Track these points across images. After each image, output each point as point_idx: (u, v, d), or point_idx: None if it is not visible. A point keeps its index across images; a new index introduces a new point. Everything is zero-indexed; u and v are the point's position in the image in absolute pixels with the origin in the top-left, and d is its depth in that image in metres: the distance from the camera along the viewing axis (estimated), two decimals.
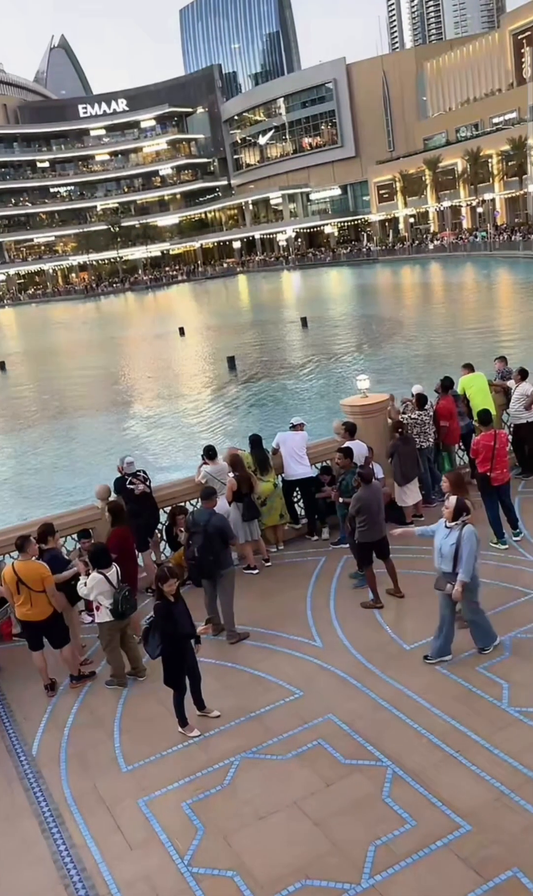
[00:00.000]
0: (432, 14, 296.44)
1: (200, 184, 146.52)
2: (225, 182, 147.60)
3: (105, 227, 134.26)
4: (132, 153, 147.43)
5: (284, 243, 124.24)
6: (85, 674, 9.34)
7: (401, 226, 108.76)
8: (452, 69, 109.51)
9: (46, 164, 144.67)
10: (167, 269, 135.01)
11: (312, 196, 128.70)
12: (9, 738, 8.38)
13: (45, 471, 24.41)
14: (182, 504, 11.93)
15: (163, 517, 11.90)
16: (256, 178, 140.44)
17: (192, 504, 11.90)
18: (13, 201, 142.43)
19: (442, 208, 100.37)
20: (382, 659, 8.77)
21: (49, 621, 8.99)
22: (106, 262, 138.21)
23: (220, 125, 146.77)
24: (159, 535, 11.97)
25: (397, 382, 25.83)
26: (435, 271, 77.39)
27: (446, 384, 13.66)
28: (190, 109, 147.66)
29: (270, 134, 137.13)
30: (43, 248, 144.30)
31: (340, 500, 11.34)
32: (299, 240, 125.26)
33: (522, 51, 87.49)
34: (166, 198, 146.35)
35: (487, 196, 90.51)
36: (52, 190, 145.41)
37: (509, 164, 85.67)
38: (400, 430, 12.29)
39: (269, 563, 11.81)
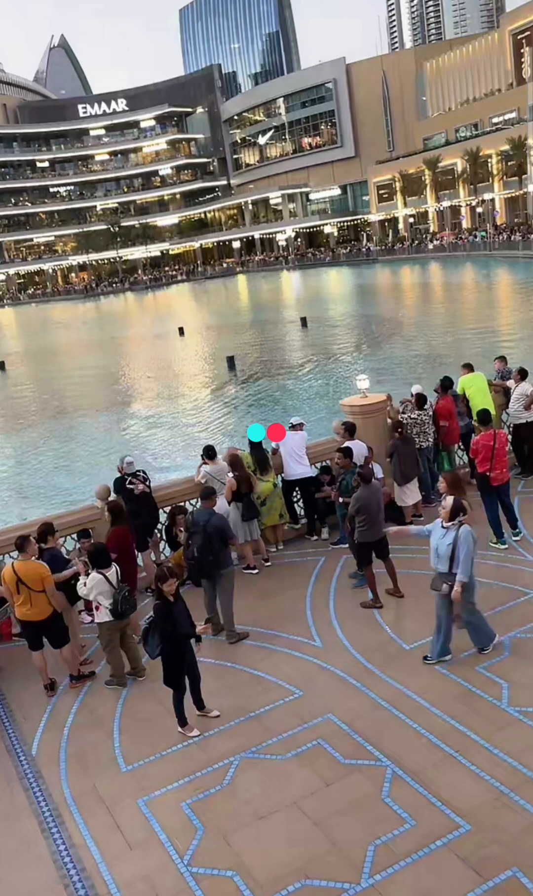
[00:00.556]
0: (432, 14, 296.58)
1: (200, 184, 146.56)
2: (224, 182, 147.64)
3: (105, 226, 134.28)
4: (132, 153, 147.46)
5: (284, 243, 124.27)
6: (84, 674, 9.34)
7: (400, 226, 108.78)
8: (452, 69, 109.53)
9: (46, 164, 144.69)
10: (167, 268, 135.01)
11: (312, 196, 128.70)
12: (8, 737, 8.38)
13: (45, 470, 24.41)
14: (182, 504, 11.93)
15: (162, 517, 11.89)
16: (256, 177, 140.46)
17: (191, 504, 11.90)
18: (13, 201, 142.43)
19: (441, 208, 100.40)
20: (382, 659, 8.78)
21: (49, 621, 8.99)
22: (105, 261, 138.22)
23: (219, 125, 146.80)
24: (159, 534, 11.97)
25: (397, 382, 25.83)
26: (435, 271, 77.40)
27: (446, 384, 13.66)
28: (190, 109, 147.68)
29: (269, 134, 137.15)
30: (42, 247, 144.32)
31: (340, 499, 11.34)
32: (299, 240, 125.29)
33: (522, 51, 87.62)
34: (166, 198, 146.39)
35: (487, 196, 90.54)
36: (51, 190, 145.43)
37: (509, 163, 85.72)
38: (399, 429, 12.29)
39: (268, 563, 11.82)
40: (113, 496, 11.26)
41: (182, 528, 11.18)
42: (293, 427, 12.74)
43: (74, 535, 10.95)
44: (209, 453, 11.99)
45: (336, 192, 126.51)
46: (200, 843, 6.43)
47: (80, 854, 6.51)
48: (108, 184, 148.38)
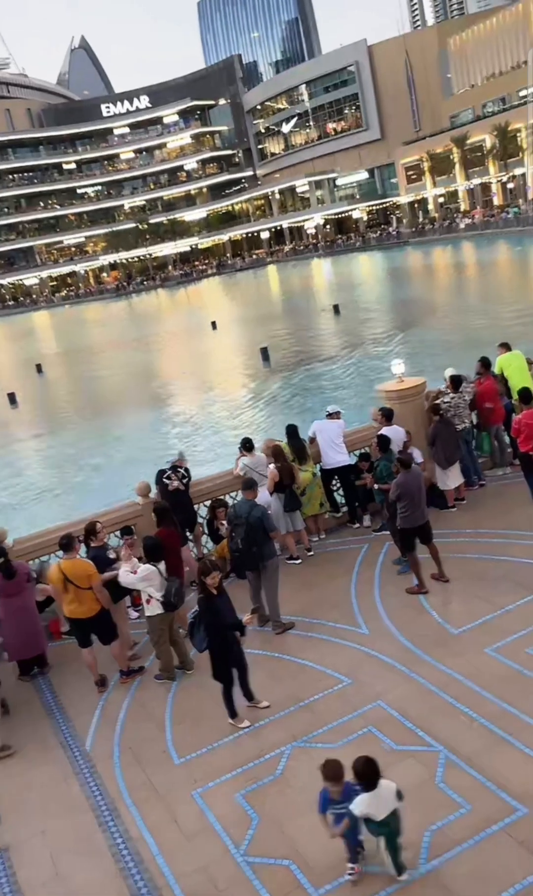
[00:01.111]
0: None
1: (226, 176, 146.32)
2: (250, 173, 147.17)
3: (133, 225, 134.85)
4: (156, 149, 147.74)
5: (313, 231, 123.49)
6: (134, 669, 9.44)
7: (430, 206, 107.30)
8: (476, 44, 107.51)
9: (73, 166, 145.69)
10: (196, 263, 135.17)
11: (339, 181, 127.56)
12: (62, 734, 8.51)
13: (86, 469, 24.67)
14: (222, 497, 11.96)
15: (203, 511, 11.95)
16: (282, 166, 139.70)
17: (231, 497, 11.93)
18: (41, 204, 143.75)
19: (472, 186, 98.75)
20: (429, 644, 8.72)
21: (97, 618, 9.10)
22: (136, 259, 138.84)
23: (242, 116, 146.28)
24: (201, 528, 12.03)
25: (434, 366, 25.57)
26: (467, 251, 76.31)
27: (485, 364, 13.48)
28: (212, 102, 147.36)
29: (293, 121, 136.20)
30: (73, 249, 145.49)
31: (375, 486, 11.28)
32: (328, 226, 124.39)
33: None
34: (192, 192, 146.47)
35: (518, 171, 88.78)
36: (79, 191, 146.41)
37: None
38: (440, 413, 12.17)
39: (311, 553, 11.81)
40: (153, 492, 11.34)
41: (224, 521, 11.23)
42: (330, 416, 12.69)
43: (117, 533, 11.06)
44: (247, 445, 12.01)
45: (363, 175, 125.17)
46: (256, 832, 6.47)
47: (137, 846, 6.60)
48: (135, 182, 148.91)
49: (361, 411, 17.23)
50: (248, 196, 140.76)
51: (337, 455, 12.38)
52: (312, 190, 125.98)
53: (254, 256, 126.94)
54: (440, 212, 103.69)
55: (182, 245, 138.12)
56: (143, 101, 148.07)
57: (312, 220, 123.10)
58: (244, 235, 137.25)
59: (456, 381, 12.82)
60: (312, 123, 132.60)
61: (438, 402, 12.55)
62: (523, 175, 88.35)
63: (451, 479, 12.28)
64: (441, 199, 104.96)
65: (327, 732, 7.55)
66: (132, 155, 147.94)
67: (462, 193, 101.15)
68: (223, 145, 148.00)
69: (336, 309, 48.92)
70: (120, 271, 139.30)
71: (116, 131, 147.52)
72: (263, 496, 10.98)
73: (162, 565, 8.98)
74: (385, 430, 11.74)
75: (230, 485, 12.00)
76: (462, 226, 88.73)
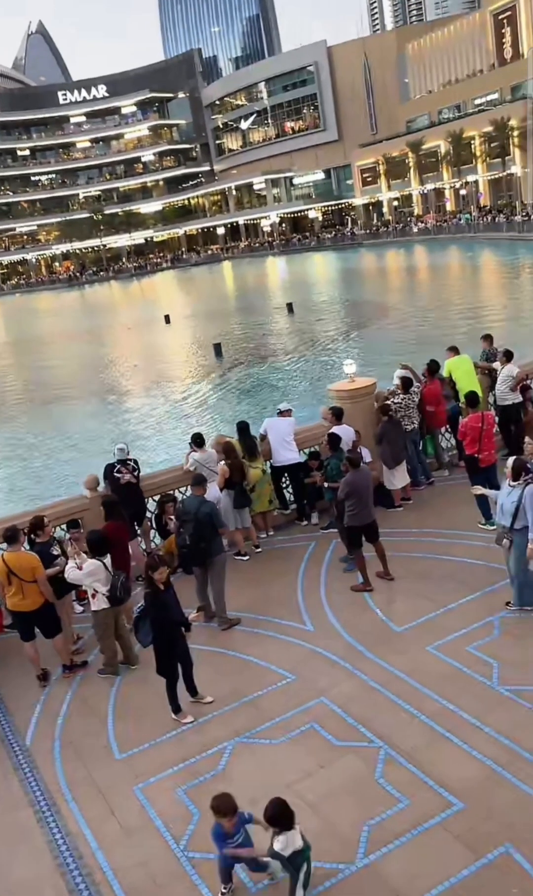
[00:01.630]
0: None
1: (183, 170, 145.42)
2: (208, 168, 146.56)
3: (88, 215, 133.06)
4: (113, 140, 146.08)
5: (269, 229, 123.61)
6: (77, 663, 9.36)
7: (385, 209, 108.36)
8: (434, 51, 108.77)
9: (27, 153, 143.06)
10: (151, 256, 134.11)
11: (296, 181, 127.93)
12: (2, 728, 8.40)
13: (32, 461, 24.33)
14: (170, 492, 11.92)
15: (152, 506, 11.88)
16: (239, 163, 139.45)
17: (180, 492, 11.90)
18: None
19: (426, 191, 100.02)
20: (373, 641, 8.83)
21: (40, 611, 8.99)
22: (89, 250, 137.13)
23: (201, 110, 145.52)
24: (149, 523, 11.96)
25: (384, 366, 25.84)
26: (419, 254, 77.27)
27: (433, 368, 13.68)
28: (171, 95, 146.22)
29: (251, 118, 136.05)
30: (25, 237, 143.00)
31: (326, 484, 11.37)
32: (283, 225, 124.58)
33: (503, 31, 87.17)
34: (149, 184, 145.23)
35: (471, 178, 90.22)
36: (33, 178, 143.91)
37: (492, 145, 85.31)
38: (389, 413, 12.31)
39: (259, 550, 11.84)
40: (102, 486, 11.24)
41: (172, 517, 11.19)
42: (281, 413, 12.74)
43: (64, 526, 10.94)
44: (197, 441, 11.97)
45: (320, 176, 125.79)
46: (196, 828, 6.47)
47: (77, 842, 6.55)
48: (90, 171, 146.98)
49: (312, 410, 17.32)
50: (204, 191, 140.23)
51: (287, 452, 12.44)
52: (268, 188, 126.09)
53: (209, 252, 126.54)
54: (394, 215, 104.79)
55: (137, 237, 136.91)
56: (101, 91, 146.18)
57: (268, 218, 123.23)
58: (200, 230, 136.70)
59: (406, 383, 12.98)
60: (270, 121, 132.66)
61: (387, 402, 12.69)
62: (476, 182, 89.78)
63: (397, 479, 12.44)
64: (396, 203, 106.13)
65: (270, 728, 7.60)
66: (88, 144, 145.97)
67: (416, 198, 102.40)
68: (181, 139, 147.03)
69: (290, 307, 49.08)
70: (73, 261, 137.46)
71: (73, 119, 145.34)
72: (213, 492, 10.97)
73: (107, 559, 8.90)
74: (335, 429, 11.84)
75: (179, 480, 11.96)
76: (415, 230, 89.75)
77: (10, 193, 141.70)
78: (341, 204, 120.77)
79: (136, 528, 11.56)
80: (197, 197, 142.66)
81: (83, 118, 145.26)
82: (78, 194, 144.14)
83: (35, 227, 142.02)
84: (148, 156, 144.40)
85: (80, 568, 8.78)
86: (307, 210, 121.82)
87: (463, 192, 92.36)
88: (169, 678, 7.93)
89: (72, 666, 9.27)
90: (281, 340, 40.23)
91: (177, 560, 10.54)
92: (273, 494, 12.44)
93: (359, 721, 7.48)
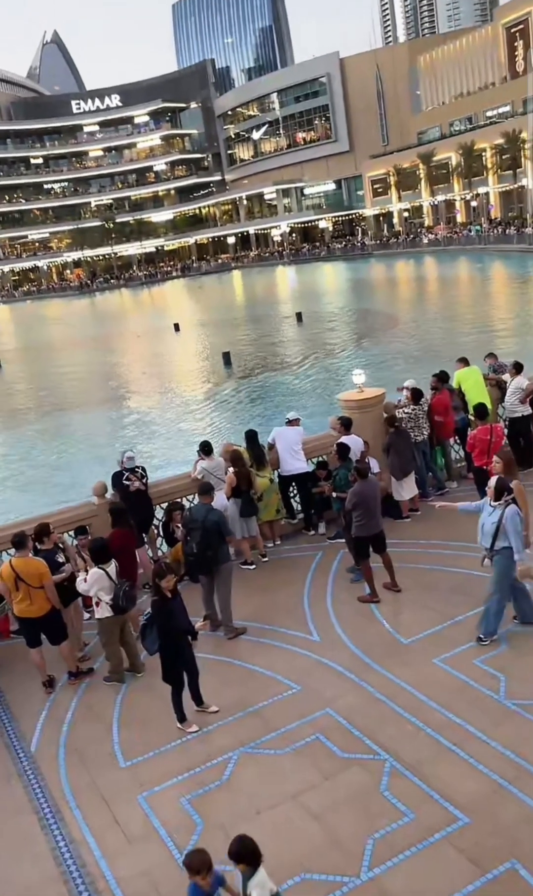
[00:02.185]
0: (425, 8, 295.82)
1: (194, 179, 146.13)
2: (219, 177, 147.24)
3: (99, 223, 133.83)
4: (126, 149, 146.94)
5: (279, 238, 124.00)
6: (83, 670, 9.36)
7: (395, 220, 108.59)
8: (446, 63, 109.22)
9: (40, 161, 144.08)
10: (162, 264, 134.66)
11: (306, 191, 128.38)
12: (7, 734, 8.39)
13: (42, 467, 24.39)
14: (178, 500, 11.93)
15: (159, 513, 11.89)
16: (250, 173, 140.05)
17: (188, 500, 11.91)
18: (7, 198, 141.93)
19: (436, 202, 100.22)
20: (380, 653, 8.79)
21: (47, 618, 8.99)
22: (100, 258, 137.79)
23: (213, 120, 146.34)
24: (156, 531, 11.97)
25: (393, 377, 25.83)
26: (429, 266, 77.34)
27: (442, 378, 13.67)
28: (183, 105, 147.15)
29: (263, 129, 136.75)
30: (37, 244, 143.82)
31: (334, 494, 11.35)
32: (293, 235, 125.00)
33: (515, 44, 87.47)
34: (160, 193, 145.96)
35: (482, 190, 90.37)
36: (45, 186, 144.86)
37: (503, 157, 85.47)
38: (396, 424, 12.30)
39: (266, 559, 11.82)
40: (110, 493, 11.25)
41: (179, 525, 11.19)
42: (289, 422, 12.75)
43: (72, 532, 10.96)
44: (206, 449, 11.99)
45: (330, 186, 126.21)
46: (200, 837, 6.45)
47: (80, 850, 6.53)
48: (103, 180, 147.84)
49: (320, 419, 17.33)
50: (215, 200, 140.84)
51: (295, 462, 12.44)
52: (279, 198, 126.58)
53: (219, 261, 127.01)
54: (405, 226, 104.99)
55: (148, 245, 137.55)
56: (114, 100, 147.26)
57: (279, 228, 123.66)
58: (210, 239, 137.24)
59: (416, 394, 12.98)
60: (281, 132, 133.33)
61: (396, 413, 12.68)
62: (487, 194, 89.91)
63: (405, 490, 12.42)
64: (406, 214, 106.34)
65: (275, 739, 7.57)
66: (101, 153, 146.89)
67: (427, 209, 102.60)
68: (193, 148, 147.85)
69: (299, 317, 49.16)
70: (84, 269, 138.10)
71: (86, 128, 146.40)
72: (220, 500, 10.98)
73: (111, 567, 8.89)
74: (343, 439, 11.83)
75: (187, 488, 11.96)
76: (425, 241, 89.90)
77: (23, 201, 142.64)
78: (352, 214, 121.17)
79: (144, 535, 11.57)
80: (208, 206, 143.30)
81: (96, 127, 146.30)
82: (90, 202, 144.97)
83: (47, 235, 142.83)
84: (160, 165, 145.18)
85: (84, 580, 8.81)
86: (318, 220, 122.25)
87: (474, 203, 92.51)
88: (175, 685, 7.91)
89: (77, 673, 9.27)
90: (290, 350, 40.28)
91: (184, 568, 10.54)
92: (280, 504, 12.42)
93: (364, 733, 7.45)
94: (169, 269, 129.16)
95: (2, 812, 7.19)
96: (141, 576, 11.18)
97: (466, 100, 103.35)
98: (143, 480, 11.35)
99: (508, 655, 8.41)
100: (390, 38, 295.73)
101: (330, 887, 5.77)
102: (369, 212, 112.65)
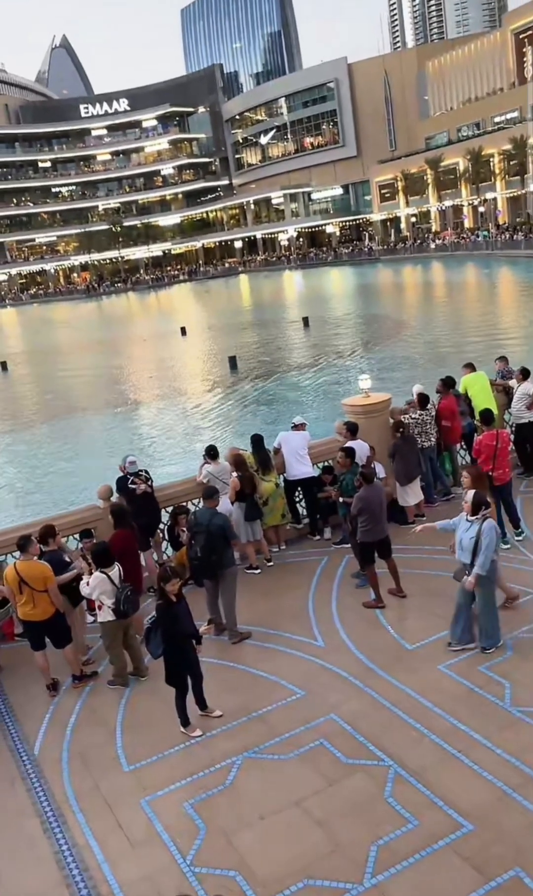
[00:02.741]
0: (434, 13, 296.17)
1: (202, 183, 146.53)
2: (226, 182, 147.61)
3: (107, 226, 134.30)
4: (134, 153, 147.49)
5: (286, 243, 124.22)
6: (87, 674, 9.35)
7: (403, 225, 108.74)
8: (454, 68, 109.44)
9: (48, 164, 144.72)
10: (169, 268, 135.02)
11: (314, 196, 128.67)
12: (11, 738, 8.39)
13: (47, 470, 24.43)
14: (184, 504, 11.93)
15: (165, 517, 11.89)
16: (258, 177, 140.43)
17: (193, 504, 11.91)
18: (15, 201, 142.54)
19: (444, 208, 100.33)
20: (384, 659, 8.77)
21: (51, 621, 8.99)
22: (107, 261, 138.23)
23: (221, 125, 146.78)
24: (161, 534, 11.97)
25: (399, 382, 25.83)
26: (437, 271, 77.36)
27: (448, 383, 13.65)
28: (191, 109, 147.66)
29: (271, 133, 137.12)
30: (44, 248, 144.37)
31: (341, 499, 11.34)
32: (301, 239, 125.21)
33: (524, 50, 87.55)
34: (168, 197, 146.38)
35: (489, 195, 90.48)
36: (53, 190, 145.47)
37: (511, 163, 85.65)
38: (401, 429, 12.29)
39: (271, 563, 11.81)
40: (115, 496, 11.26)
41: (184, 528, 11.19)
42: (295, 427, 12.74)
43: (77, 536, 10.97)
44: (211, 453, 11.99)
45: (338, 191, 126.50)
46: (203, 843, 6.43)
47: (83, 854, 6.52)
48: (110, 184, 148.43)
49: (326, 424, 17.32)
50: (223, 204, 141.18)
51: (301, 466, 12.43)
52: (286, 202, 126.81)
53: (226, 265, 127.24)
54: (412, 231, 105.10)
55: (155, 249, 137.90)
56: (123, 104, 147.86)
57: (286, 233, 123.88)
58: (217, 243, 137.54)
59: (423, 399, 12.97)
60: (289, 136, 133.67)
61: (402, 418, 12.67)
62: (494, 199, 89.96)
63: (411, 495, 12.40)
64: (413, 219, 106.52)
65: (279, 744, 7.55)
66: (109, 157, 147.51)
67: (434, 214, 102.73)
68: (200, 153, 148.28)
69: (306, 321, 49.20)
70: (91, 272, 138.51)
71: (94, 132, 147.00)
72: (225, 505, 10.98)
73: (114, 571, 8.88)
74: (349, 444, 11.82)
75: (193, 492, 11.96)
76: (433, 246, 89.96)
77: (31, 204, 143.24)
78: (359, 219, 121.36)
79: (150, 539, 11.57)
80: (215, 210, 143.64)
81: (104, 131, 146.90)
82: (97, 206, 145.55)
83: (54, 238, 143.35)
84: (167, 169, 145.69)
85: (88, 584, 8.82)
86: (325, 225, 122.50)
87: (481, 209, 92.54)
88: (178, 688, 7.90)
89: (81, 676, 9.26)
90: (296, 354, 40.31)
91: (188, 572, 10.53)
92: (286, 508, 12.42)
93: (368, 739, 7.42)
94: (176, 272, 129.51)
95: (5, 815, 7.18)
96: (146, 579, 11.19)
97: (474, 105, 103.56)
98: (149, 483, 11.35)
99: (513, 662, 8.37)
100: (399, 44, 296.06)
101: (333, 894, 5.74)
102: (377, 217, 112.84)
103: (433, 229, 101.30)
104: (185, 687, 7.93)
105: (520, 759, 6.85)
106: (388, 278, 79.51)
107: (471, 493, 8.66)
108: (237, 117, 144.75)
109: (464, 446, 14.05)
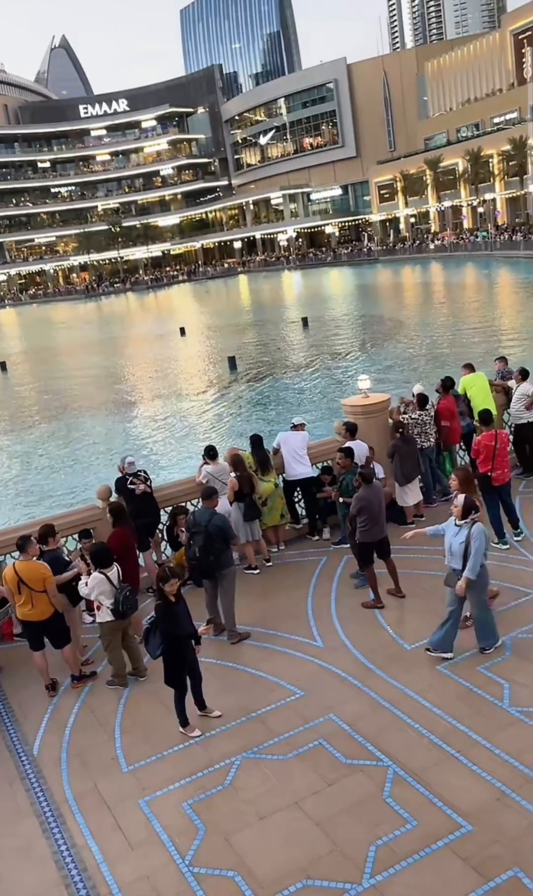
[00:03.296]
0: (433, 14, 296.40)
1: (201, 184, 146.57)
2: (226, 182, 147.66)
3: (106, 227, 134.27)
4: (133, 153, 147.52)
5: (285, 243, 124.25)
6: (86, 674, 9.34)
7: (402, 226, 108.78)
8: (453, 69, 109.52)
9: (47, 165, 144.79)
10: (168, 269, 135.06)
11: (313, 196, 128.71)
12: (10, 738, 8.38)
13: (47, 471, 24.42)
14: (183, 504, 11.93)
15: (164, 517, 11.90)
16: (257, 178, 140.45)
17: (192, 504, 11.91)
18: (14, 201, 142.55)
19: (443, 208, 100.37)
20: (384, 659, 8.77)
21: (50, 621, 8.98)
22: (107, 262, 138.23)
23: (220, 125, 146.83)
24: (160, 534, 11.97)
25: (399, 382, 25.86)
26: (436, 271, 77.38)
27: (447, 384, 13.66)
28: (191, 109, 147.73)
29: (270, 134, 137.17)
30: (44, 248, 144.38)
31: (341, 499, 11.34)
32: (300, 240, 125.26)
33: (523, 51, 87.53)
34: (167, 198, 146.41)
35: (488, 196, 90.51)
36: (52, 190, 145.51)
37: (510, 163, 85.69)
38: (401, 430, 12.29)
39: (270, 563, 11.81)
40: (114, 497, 11.25)
41: (183, 528, 11.18)
42: (295, 427, 12.74)
43: (76, 536, 10.97)
44: (210, 453, 11.99)
45: (337, 192, 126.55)
46: (202, 843, 6.43)
47: (82, 854, 6.52)
48: (110, 184, 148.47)
49: (325, 424, 17.35)
50: (222, 205, 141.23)
51: (300, 467, 12.43)
52: (286, 203, 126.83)
53: (225, 265, 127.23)
54: (411, 231, 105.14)
55: (154, 250, 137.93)
56: (122, 105, 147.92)
57: (285, 233, 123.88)
58: (217, 244, 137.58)
59: (422, 399, 12.97)
60: (288, 137, 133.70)
61: (402, 418, 12.67)
62: (493, 200, 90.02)
63: (410, 495, 12.40)
64: (413, 219, 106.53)
65: (278, 744, 7.55)
66: (108, 157, 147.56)
67: (433, 214, 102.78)
68: (200, 153, 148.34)
69: (305, 322, 49.21)
70: (90, 273, 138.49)
71: (93, 133, 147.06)
72: (223, 505, 10.97)
73: (112, 571, 8.87)
74: (348, 445, 11.82)
75: (192, 492, 11.96)
76: (432, 246, 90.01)
77: (30, 204, 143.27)
78: (358, 220, 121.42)
79: (150, 539, 11.57)
80: (214, 211, 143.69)
81: (103, 131, 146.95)
82: (97, 206, 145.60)
83: (54, 239, 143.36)
84: (167, 169, 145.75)
85: (86, 584, 8.82)
86: (324, 225, 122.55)
87: (480, 209, 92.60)
88: (177, 689, 7.90)
89: (81, 676, 9.26)
90: (296, 355, 40.31)
91: (187, 572, 10.53)
92: (285, 508, 12.42)
93: (367, 739, 7.42)
94: (175, 273, 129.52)
95: (4, 816, 7.18)
96: (145, 579, 11.18)
97: (473, 106, 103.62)
98: (148, 483, 11.35)
99: (512, 662, 8.37)
100: (398, 44, 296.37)
101: (332, 894, 5.74)
102: (376, 217, 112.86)
103: (432, 230, 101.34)
104: (185, 687, 7.93)
105: (519, 760, 6.85)
106: (387, 279, 79.53)
107: (461, 496, 8.60)
108: (236, 118, 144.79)
109: (463, 447, 14.06)
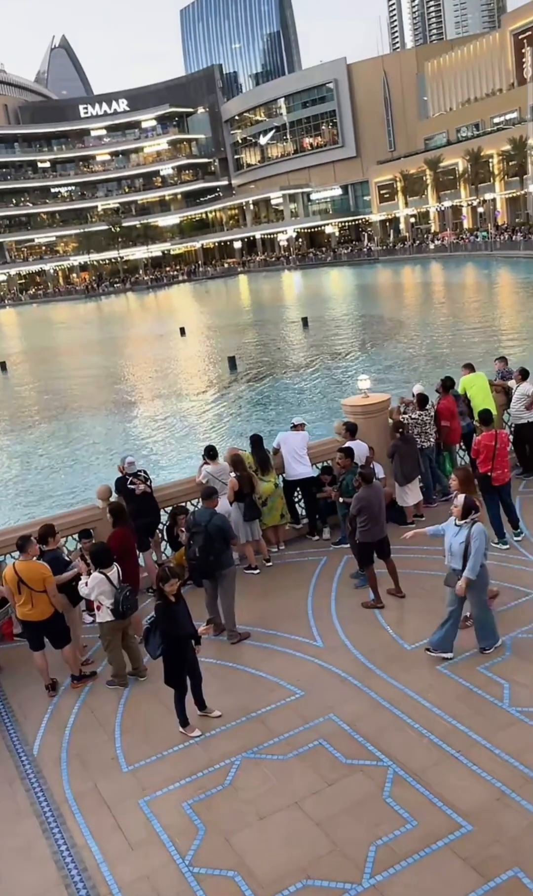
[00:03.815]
0: (433, 14, 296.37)
1: (201, 184, 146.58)
2: (226, 182, 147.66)
3: (106, 227, 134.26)
4: (133, 153, 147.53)
5: (285, 243, 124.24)
6: (86, 674, 9.35)
7: (402, 226, 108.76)
8: (453, 69, 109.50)
9: (47, 165, 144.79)
10: (168, 269, 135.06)
11: (313, 196, 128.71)
12: (10, 737, 8.38)
13: (47, 471, 24.42)
14: (183, 504, 11.93)
15: (164, 517, 11.90)
16: (257, 178, 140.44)
17: (192, 504, 11.90)
18: (14, 201, 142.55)
19: (443, 208, 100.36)
20: (384, 659, 8.77)
21: (50, 621, 8.98)
22: (107, 262, 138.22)
23: (220, 125, 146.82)
24: (160, 534, 11.97)
25: (398, 382, 25.86)
26: (436, 271, 77.38)
27: (447, 384, 13.66)
28: (191, 109, 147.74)
29: (270, 134, 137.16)
30: (44, 248, 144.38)
31: (341, 499, 11.34)
32: (300, 240, 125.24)
33: (523, 51, 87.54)
34: (167, 198, 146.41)
35: (488, 196, 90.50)
36: (52, 190, 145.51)
37: (510, 163, 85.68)
38: (401, 430, 12.29)
39: (270, 563, 11.81)
40: (114, 497, 11.26)
41: (183, 528, 11.18)
42: (295, 427, 12.74)
43: (76, 536, 10.97)
44: (210, 453, 11.99)
45: (337, 192, 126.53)
46: (202, 843, 6.43)
47: (82, 854, 6.52)
48: (110, 184, 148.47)
49: (325, 424, 17.35)
50: (222, 205, 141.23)
51: (300, 467, 12.43)
52: (286, 203, 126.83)
53: (225, 265, 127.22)
54: (411, 231, 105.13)
55: (155, 250, 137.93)
56: (122, 105, 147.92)
57: (285, 233, 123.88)
58: (217, 244, 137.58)
59: (422, 399, 12.97)
60: (288, 137, 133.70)
61: (402, 418, 12.67)
62: (493, 200, 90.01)
63: (410, 495, 12.40)
64: (413, 219, 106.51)
65: (278, 744, 7.55)
66: (108, 157, 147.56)
67: (433, 214, 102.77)
68: (200, 153, 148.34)
69: (305, 322, 49.20)
70: (90, 272, 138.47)
71: (93, 133, 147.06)
72: (223, 505, 10.97)
73: (112, 571, 8.87)
74: (348, 445, 11.82)
75: (193, 492, 11.96)
76: (432, 246, 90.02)
77: (30, 204, 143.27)
78: (358, 220, 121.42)
79: (150, 539, 11.57)
80: (214, 211, 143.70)
81: (103, 132, 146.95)
82: (97, 206, 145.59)
83: (54, 239, 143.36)
84: (167, 169, 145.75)
85: (86, 584, 8.82)
86: (324, 225, 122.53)
87: (480, 209, 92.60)
88: (177, 689, 7.90)
89: (81, 676, 9.26)
90: (296, 355, 40.30)
91: (187, 572, 10.53)
92: (285, 508, 12.41)
93: (367, 739, 7.42)
94: (175, 273, 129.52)
95: (4, 816, 7.18)
96: (145, 579, 11.18)
97: (473, 106, 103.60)
98: (148, 483, 11.35)
99: (512, 662, 8.38)
100: (398, 44, 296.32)
101: (332, 894, 5.74)
102: (376, 217, 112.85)
103: (432, 230, 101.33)
104: (185, 687, 7.93)
105: (519, 760, 6.86)
106: (387, 279, 79.53)
107: (461, 496, 8.59)
108: (236, 118, 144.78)
109: (463, 447, 14.06)
